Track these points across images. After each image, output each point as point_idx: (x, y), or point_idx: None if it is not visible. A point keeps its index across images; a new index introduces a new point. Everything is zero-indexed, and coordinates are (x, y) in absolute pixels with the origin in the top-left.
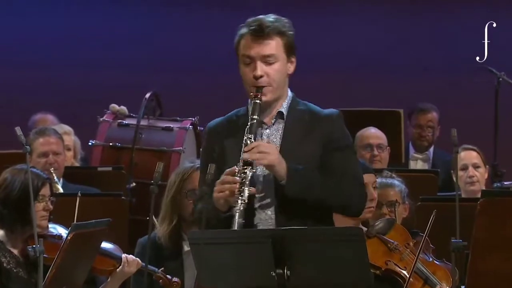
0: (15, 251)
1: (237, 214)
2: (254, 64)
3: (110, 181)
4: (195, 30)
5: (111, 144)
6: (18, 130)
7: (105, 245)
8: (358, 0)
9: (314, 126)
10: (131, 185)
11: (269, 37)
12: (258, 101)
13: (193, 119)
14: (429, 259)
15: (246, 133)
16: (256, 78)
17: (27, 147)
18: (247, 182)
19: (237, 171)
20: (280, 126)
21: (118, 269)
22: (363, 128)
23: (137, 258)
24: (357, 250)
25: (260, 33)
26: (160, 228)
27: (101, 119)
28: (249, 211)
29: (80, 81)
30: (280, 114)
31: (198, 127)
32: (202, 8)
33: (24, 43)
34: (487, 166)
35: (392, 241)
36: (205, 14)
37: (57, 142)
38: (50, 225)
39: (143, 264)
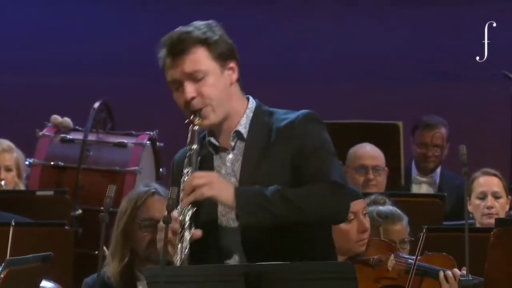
0: None
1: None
2: (183, 87)
3: (51, 207)
4: (152, 29)
5: (52, 163)
6: None
7: (45, 284)
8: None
9: (275, 142)
10: (77, 212)
11: (187, 51)
12: (195, 127)
13: (151, 133)
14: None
15: (185, 167)
16: (188, 101)
17: None
18: (186, 226)
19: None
20: (242, 149)
21: None
22: (356, 144)
23: None
24: None
25: (175, 50)
26: (110, 266)
27: (40, 133)
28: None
29: (15, 87)
30: (238, 134)
31: (157, 143)
32: (162, 5)
33: None
34: (510, 196)
35: (372, 257)
36: (166, 11)
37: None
38: None
39: None
